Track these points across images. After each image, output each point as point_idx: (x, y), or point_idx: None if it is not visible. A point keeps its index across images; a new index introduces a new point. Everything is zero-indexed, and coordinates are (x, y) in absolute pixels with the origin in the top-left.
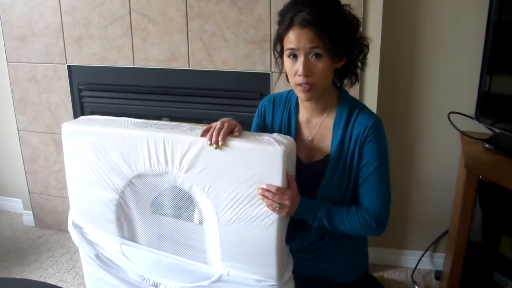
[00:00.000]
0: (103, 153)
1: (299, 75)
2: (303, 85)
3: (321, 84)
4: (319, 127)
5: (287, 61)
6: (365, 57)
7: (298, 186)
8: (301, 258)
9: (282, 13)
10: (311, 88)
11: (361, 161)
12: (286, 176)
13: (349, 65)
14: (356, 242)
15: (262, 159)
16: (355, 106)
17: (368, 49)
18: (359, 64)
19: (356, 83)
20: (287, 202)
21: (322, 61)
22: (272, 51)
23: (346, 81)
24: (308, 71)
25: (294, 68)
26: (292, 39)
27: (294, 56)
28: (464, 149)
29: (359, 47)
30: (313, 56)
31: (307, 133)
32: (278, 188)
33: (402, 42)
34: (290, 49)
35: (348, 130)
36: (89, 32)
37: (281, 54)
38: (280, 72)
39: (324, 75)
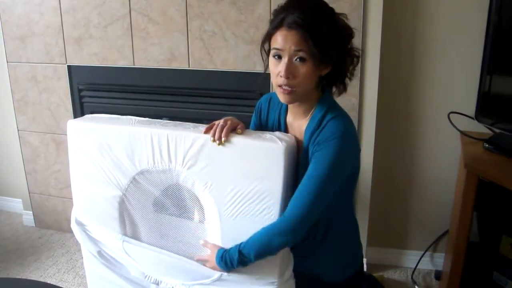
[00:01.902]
0: (107, 150)
1: (280, 76)
2: (283, 87)
3: (302, 88)
4: (299, 131)
5: (271, 61)
6: (354, 68)
7: None
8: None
9: (275, 13)
10: (291, 91)
11: (311, 162)
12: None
13: (336, 73)
14: (346, 242)
15: (263, 156)
16: (329, 113)
17: (359, 60)
18: (348, 74)
19: (343, 92)
20: (209, 265)
21: (305, 66)
22: (260, 49)
23: (334, 89)
24: (290, 73)
25: (277, 69)
26: (278, 39)
27: (278, 56)
28: (464, 149)
29: (350, 57)
30: (297, 60)
31: (292, 134)
32: (201, 257)
33: (402, 43)
34: (276, 49)
35: (313, 136)
36: (89, 32)
37: (268, 53)
38: (265, 71)
39: (305, 80)
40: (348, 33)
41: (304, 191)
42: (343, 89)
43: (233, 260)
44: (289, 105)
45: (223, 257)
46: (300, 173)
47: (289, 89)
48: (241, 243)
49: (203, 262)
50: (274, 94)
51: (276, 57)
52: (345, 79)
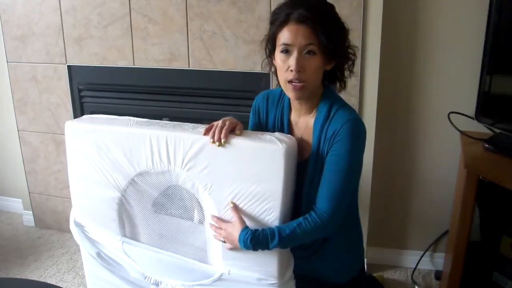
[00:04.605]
0: (106, 152)
1: (291, 71)
2: (293, 83)
3: (311, 82)
4: (305, 127)
5: (279, 57)
6: (353, 65)
7: None
8: (294, 256)
9: (277, 12)
10: (302, 87)
11: (327, 157)
12: (232, 208)
13: (337, 69)
14: (349, 244)
15: (263, 157)
16: (335, 105)
17: (356, 57)
18: (346, 72)
19: (344, 89)
20: (223, 233)
21: (315, 59)
22: (264, 49)
23: (336, 86)
24: (300, 67)
25: (286, 64)
26: (287, 34)
27: (287, 51)
28: (464, 149)
29: (347, 54)
30: (307, 53)
31: (297, 132)
32: (218, 220)
33: (402, 42)
34: (284, 44)
35: (324, 129)
36: (89, 32)
37: (271, 53)
38: (269, 71)
39: (315, 74)
40: (346, 29)
41: (336, 187)
42: (343, 86)
43: (267, 244)
44: (293, 103)
45: (254, 237)
46: (309, 169)
47: (300, 84)
48: (279, 231)
49: (217, 225)
50: (271, 91)
51: (284, 52)
52: (344, 76)
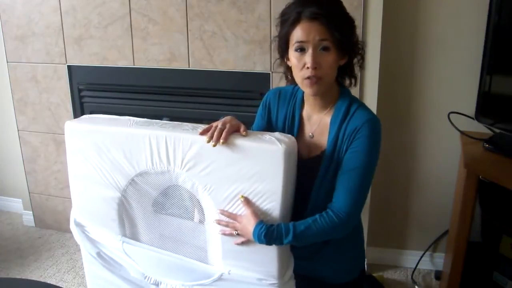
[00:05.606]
0: (105, 152)
1: (307, 68)
2: (311, 78)
3: (328, 78)
4: (319, 123)
5: (294, 55)
6: (362, 60)
7: (297, 181)
8: (294, 257)
9: (286, 11)
10: (318, 81)
11: (345, 155)
12: (244, 201)
13: (347, 67)
14: (350, 244)
15: (263, 158)
16: (354, 104)
17: (365, 52)
18: (356, 67)
19: (355, 85)
20: (237, 226)
21: (329, 55)
22: (277, 51)
23: (347, 82)
24: (316, 63)
25: (302, 62)
26: (300, 32)
27: (301, 49)
28: (464, 149)
29: (357, 49)
30: (321, 49)
31: (308, 129)
32: (231, 214)
33: (402, 42)
34: (299, 42)
35: (343, 127)
36: (89, 32)
37: (284, 53)
38: (285, 72)
39: (330, 69)
40: (354, 23)
41: (354, 185)
42: (354, 82)
43: (281, 240)
44: (308, 99)
45: (268, 232)
46: (322, 166)
47: (316, 78)
48: (294, 227)
49: (230, 218)
50: (284, 88)
51: (299, 50)
52: (355, 72)
